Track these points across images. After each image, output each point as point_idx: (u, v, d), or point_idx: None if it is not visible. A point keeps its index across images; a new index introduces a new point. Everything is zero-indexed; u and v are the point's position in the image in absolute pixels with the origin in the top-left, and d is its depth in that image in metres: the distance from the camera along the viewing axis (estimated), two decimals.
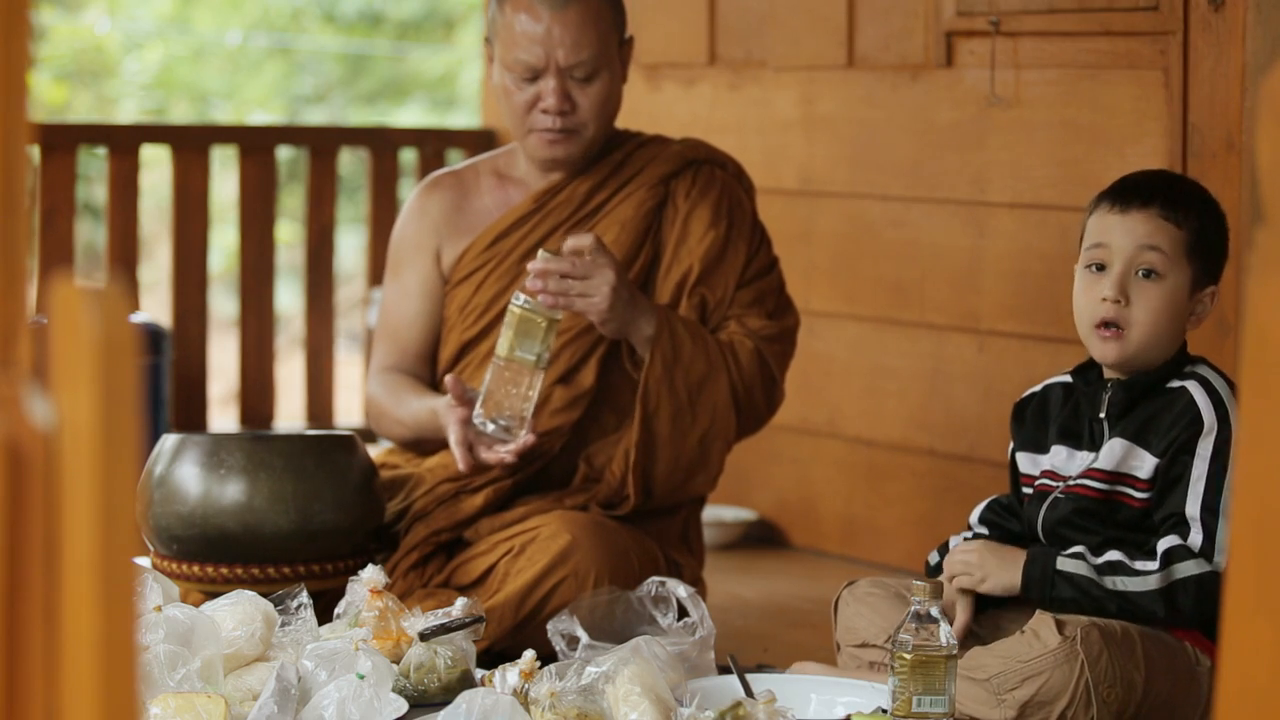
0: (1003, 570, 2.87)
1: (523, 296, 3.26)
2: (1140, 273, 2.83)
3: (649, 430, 3.39)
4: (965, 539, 3.03)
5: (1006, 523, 3.03)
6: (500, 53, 3.46)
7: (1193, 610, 2.76)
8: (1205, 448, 2.78)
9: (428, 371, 3.60)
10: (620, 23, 3.49)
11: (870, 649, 2.99)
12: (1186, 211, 2.84)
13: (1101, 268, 2.86)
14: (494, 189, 3.60)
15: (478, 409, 3.28)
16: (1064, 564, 2.81)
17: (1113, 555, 2.80)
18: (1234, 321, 3.45)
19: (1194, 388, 2.82)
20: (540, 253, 3.29)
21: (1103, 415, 2.89)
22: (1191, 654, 2.83)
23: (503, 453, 3.28)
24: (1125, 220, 2.84)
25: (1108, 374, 2.92)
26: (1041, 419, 2.99)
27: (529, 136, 3.48)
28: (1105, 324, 2.84)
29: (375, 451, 3.61)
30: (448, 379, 3.33)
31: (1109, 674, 2.73)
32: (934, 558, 3.05)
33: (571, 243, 3.30)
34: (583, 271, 3.27)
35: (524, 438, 3.27)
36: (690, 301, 3.48)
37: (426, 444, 3.51)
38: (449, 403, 3.32)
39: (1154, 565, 2.77)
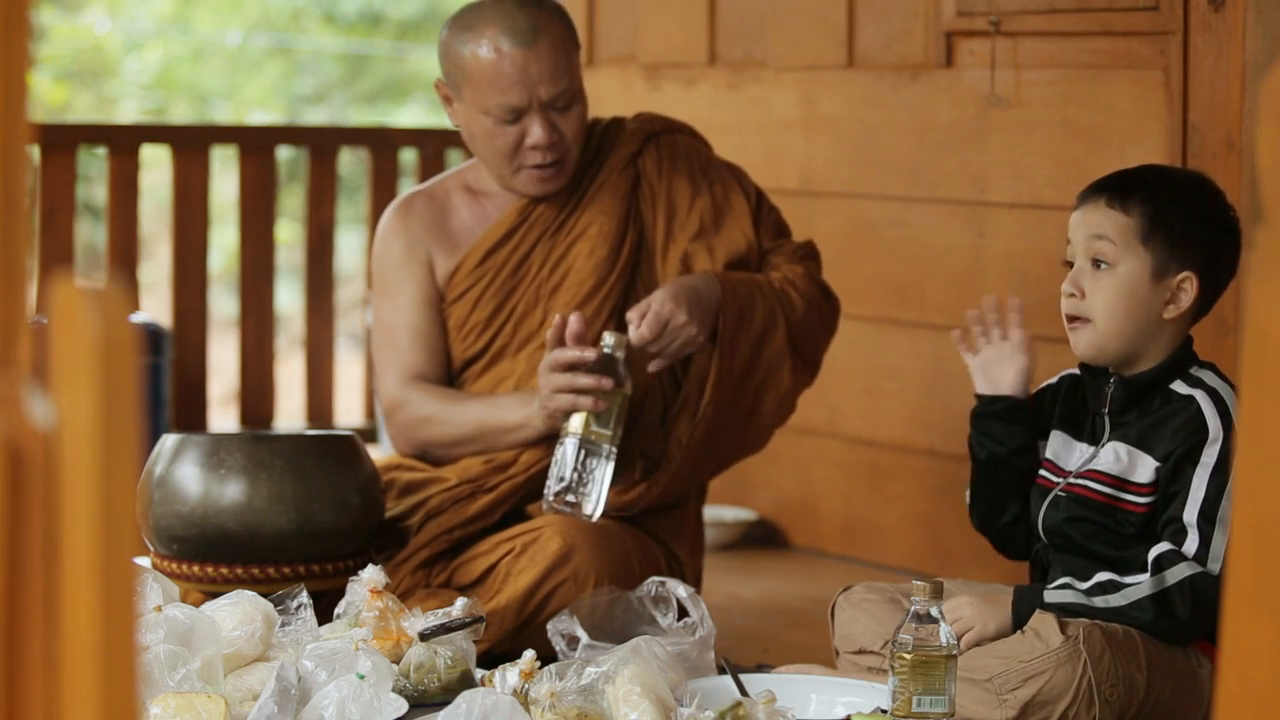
0: (993, 615, 2.86)
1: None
2: (1093, 263, 2.86)
3: (720, 391, 3.39)
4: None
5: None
6: (473, 98, 3.39)
7: (1191, 616, 2.75)
8: (1210, 456, 2.78)
9: (447, 379, 3.56)
10: (576, 38, 3.47)
11: (868, 655, 2.99)
12: (1139, 198, 2.84)
13: (1071, 264, 2.91)
14: (469, 205, 3.57)
15: (549, 489, 3.25)
16: (1051, 595, 2.83)
17: (1102, 576, 2.80)
18: (1234, 321, 3.45)
19: (1202, 398, 2.82)
20: (615, 338, 3.27)
21: (1105, 410, 2.90)
22: (1194, 657, 2.82)
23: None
24: (1081, 214, 2.89)
25: (1111, 369, 2.93)
26: (1052, 407, 3.01)
27: (519, 174, 3.44)
28: (1070, 317, 2.89)
29: (378, 453, 3.61)
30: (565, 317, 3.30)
31: (1111, 673, 2.73)
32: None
33: (641, 333, 3.29)
34: (668, 338, 3.30)
35: (595, 511, 3.25)
36: (723, 266, 3.48)
37: (473, 445, 3.46)
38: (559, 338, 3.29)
39: (1144, 577, 2.77)
